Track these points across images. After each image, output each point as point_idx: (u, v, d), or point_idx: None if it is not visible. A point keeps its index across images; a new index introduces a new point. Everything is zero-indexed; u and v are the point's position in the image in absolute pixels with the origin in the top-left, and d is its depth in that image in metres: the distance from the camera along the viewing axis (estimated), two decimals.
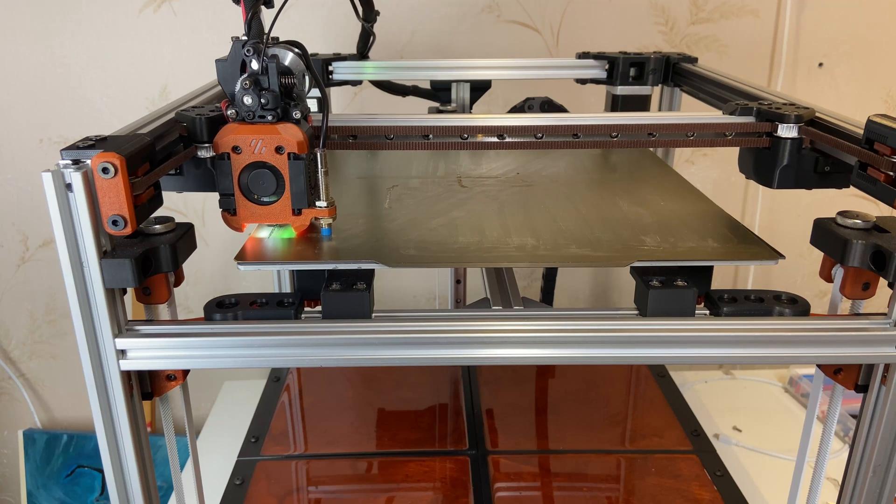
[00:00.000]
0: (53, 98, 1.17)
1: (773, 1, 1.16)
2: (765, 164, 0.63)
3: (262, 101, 0.52)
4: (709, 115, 0.64)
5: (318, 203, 0.55)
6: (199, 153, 0.55)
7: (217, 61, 0.54)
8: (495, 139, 0.60)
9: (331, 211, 0.56)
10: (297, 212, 0.55)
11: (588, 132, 0.61)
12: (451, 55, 1.17)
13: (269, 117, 0.52)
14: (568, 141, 0.61)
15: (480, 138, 0.60)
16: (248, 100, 0.52)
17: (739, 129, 0.62)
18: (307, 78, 0.56)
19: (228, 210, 0.55)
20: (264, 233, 0.59)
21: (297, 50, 0.56)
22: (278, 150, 0.52)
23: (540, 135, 0.60)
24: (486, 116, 0.62)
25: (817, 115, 0.61)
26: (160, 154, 0.53)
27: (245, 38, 0.52)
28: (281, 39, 0.58)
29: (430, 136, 0.60)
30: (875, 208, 0.79)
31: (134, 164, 0.45)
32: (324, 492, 0.84)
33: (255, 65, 0.52)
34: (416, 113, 0.64)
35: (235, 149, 0.52)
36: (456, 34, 1.15)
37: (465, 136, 0.61)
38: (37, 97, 1.16)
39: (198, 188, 0.59)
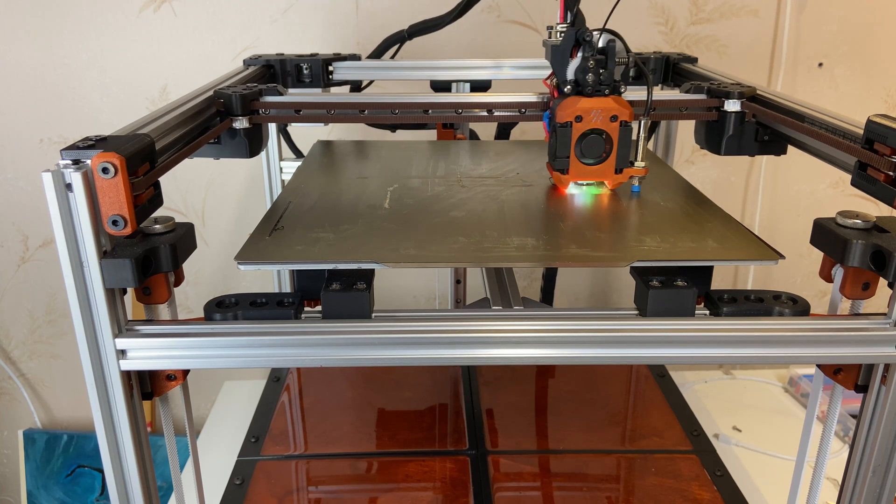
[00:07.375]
0: (53, 98, 1.17)
1: (773, 1, 1.16)
2: (714, 135, 0.73)
3: (601, 77, 0.61)
4: (667, 93, 0.74)
5: (636, 163, 0.65)
6: (234, 124, 0.63)
7: (547, 42, 0.64)
8: (485, 113, 0.69)
9: (646, 170, 0.67)
10: (618, 171, 0.65)
11: None
12: (451, 55, 1.17)
13: (606, 91, 0.62)
14: None
15: (476, 112, 0.69)
16: (590, 76, 0.61)
17: (692, 104, 0.71)
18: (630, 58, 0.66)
19: (562, 170, 0.65)
20: (575, 189, 0.67)
21: (616, 37, 0.64)
22: (612, 118, 0.62)
23: (523, 110, 0.68)
24: (477, 95, 0.72)
25: (758, 92, 0.70)
26: (199, 127, 0.60)
27: (564, 26, 0.62)
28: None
29: (430, 111, 0.69)
30: (875, 208, 0.79)
31: (134, 164, 0.45)
32: (324, 492, 0.84)
33: (595, 47, 0.61)
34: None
35: (577, 118, 0.62)
36: (456, 34, 1.15)
37: (460, 110, 0.69)
38: (37, 97, 1.16)
39: (232, 155, 0.67)
